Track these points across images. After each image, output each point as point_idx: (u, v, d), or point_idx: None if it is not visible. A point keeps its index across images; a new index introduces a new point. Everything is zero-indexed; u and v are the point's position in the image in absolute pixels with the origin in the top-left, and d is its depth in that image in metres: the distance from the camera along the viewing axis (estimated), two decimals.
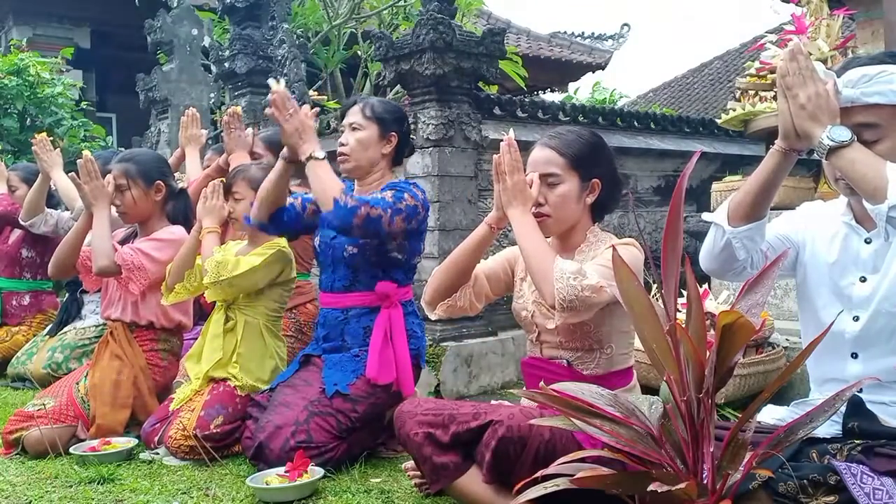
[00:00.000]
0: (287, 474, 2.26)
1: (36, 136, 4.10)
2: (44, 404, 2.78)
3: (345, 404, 2.49)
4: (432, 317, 2.24)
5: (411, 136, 2.89)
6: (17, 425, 2.71)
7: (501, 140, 2.02)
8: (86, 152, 3.04)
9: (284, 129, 2.48)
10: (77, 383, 2.90)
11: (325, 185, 2.43)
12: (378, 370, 2.52)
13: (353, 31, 6.22)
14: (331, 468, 2.39)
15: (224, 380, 2.76)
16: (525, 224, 1.95)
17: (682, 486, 1.33)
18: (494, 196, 2.04)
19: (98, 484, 2.36)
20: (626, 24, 13.52)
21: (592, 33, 13.75)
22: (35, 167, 4.53)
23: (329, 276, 2.69)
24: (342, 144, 2.63)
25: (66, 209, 4.64)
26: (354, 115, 2.64)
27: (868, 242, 1.72)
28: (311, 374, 2.63)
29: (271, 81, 2.52)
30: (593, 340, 2.00)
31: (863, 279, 1.71)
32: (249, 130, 3.59)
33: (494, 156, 2.02)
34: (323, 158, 2.47)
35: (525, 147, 2.07)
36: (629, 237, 2.03)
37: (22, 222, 4.31)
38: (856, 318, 1.71)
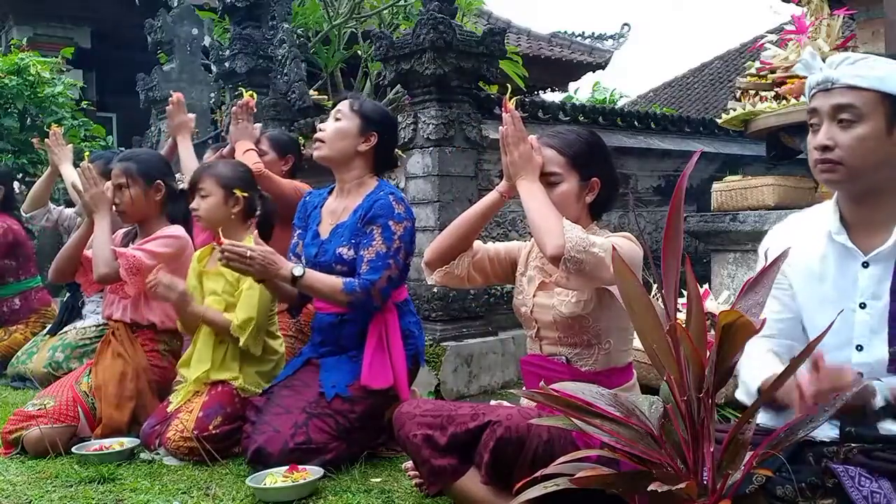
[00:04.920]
0: (287, 474, 2.26)
1: (54, 127, 4.21)
2: (44, 404, 2.78)
3: (343, 405, 2.49)
4: (430, 281, 2.25)
5: (396, 148, 2.85)
6: (17, 425, 2.71)
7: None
8: (84, 163, 3.04)
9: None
10: (78, 382, 2.90)
11: (324, 293, 2.48)
12: (373, 376, 2.51)
13: (354, 30, 6.22)
14: (331, 468, 2.39)
15: (223, 381, 2.75)
16: (533, 190, 2.00)
17: (682, 485, 1.32)
18: (503, 167, 2.07)
19: (98, 484, 2.36)
20: (626, 24, 13.55)
21: (593, 33, 13.76)
22: (4, 169, 4.59)
23: None
24: (321, 130, 2.64)
25: (68, 206, 4.66)
26: (341, 107, 2.67)
27: (865, 266, 1.66)
28: (308, 375, 2.62)
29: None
30: (591, 335, 2.00)
31: (862, 305, 1.65)
32: (259, 125, 3.55)
33: (500, 128, 2.05)
34: (301, 275, 2.43)
35: None
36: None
37: (24, 214, 4.32)
38: (859, 348, 1.66)
